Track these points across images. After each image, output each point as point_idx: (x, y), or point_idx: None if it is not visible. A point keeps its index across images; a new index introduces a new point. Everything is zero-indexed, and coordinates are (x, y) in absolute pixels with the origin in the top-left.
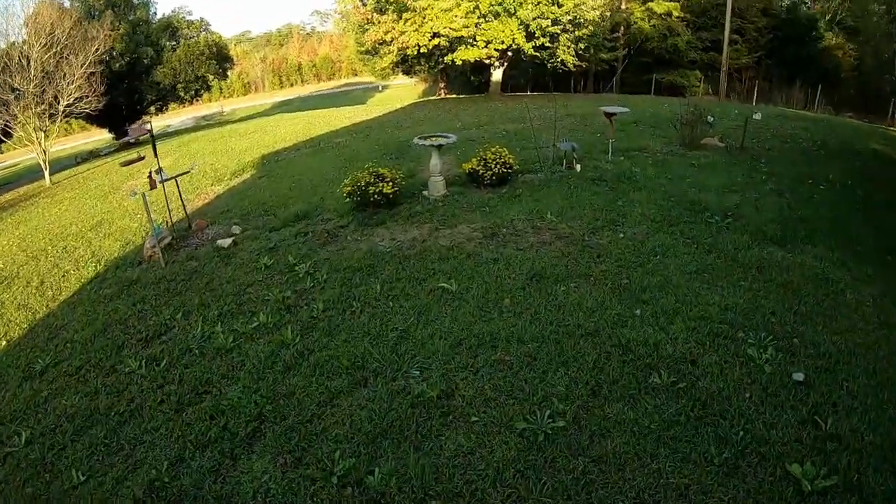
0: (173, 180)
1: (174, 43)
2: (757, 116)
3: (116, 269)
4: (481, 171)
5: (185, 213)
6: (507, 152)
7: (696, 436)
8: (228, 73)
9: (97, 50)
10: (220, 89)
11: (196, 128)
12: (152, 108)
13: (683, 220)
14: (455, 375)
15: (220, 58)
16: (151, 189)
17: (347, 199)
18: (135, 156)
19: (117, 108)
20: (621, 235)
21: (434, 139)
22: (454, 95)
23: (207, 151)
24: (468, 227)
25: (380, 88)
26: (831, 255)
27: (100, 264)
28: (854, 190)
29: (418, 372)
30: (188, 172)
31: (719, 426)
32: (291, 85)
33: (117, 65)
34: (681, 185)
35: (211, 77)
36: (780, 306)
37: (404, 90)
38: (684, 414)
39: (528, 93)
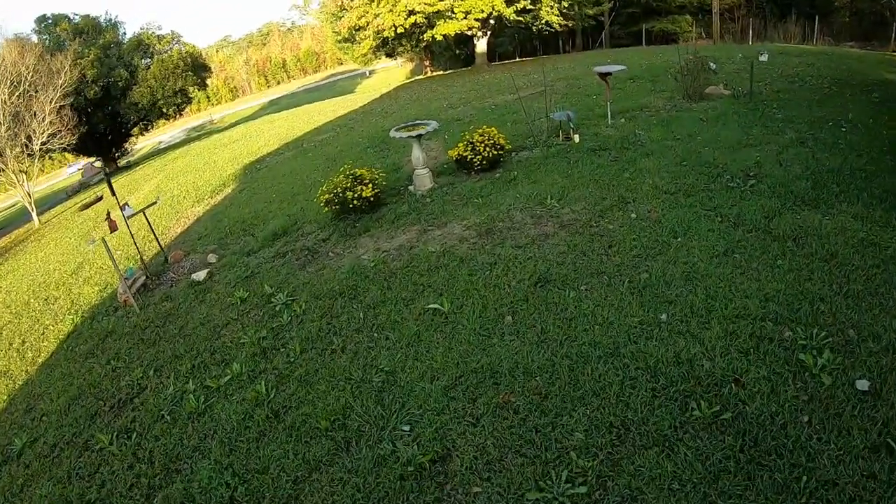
0: (142, 214)
1: (148, 60)
2: (763, 58)
3: (93, 321)
4: (470, 157)
5: (160, 246)
6: (496, 131)
7: (748, 488)
8: (208, 81)
9: (64, 83)
10: (208, 97)
11: (186, 140)
12: (136, 129)
13: (701, 187)
14: (451, 429)
15: (197, 68)
16: (112, 232)
17: (326, 209)
18: (92, 197)
19: (101, 135)
20: (633, 216)
21: (412, 129)
22: (441, 72)
23: (191, 168)
24: (460, 225)
25: (367, 74)
26: (872, 214)
27: (77, 315)
28: (879, 130)
29: (408, 428)
30: (154, 205)
31: (776, 469)
32: (278, 83)
33: (91, 92)
34: (692, 145)
35: (191, 89)
36: (828, 288)
37: (392, 73)
38: (732, 457)
39: (517, 59)
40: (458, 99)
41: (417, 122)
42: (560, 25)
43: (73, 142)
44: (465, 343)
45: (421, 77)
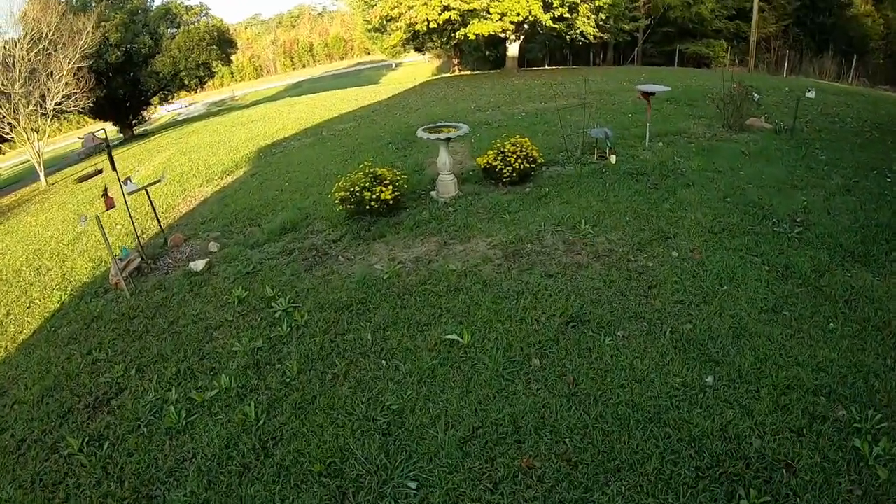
0: (145, 191)
1: (174, 30)
2: (810, 94)
3: (81, 300)
4: (500, 167)
5: (160, 227)
6: (529, 142)
7: None
8: (232, 57)
9: (84, 44)
10: (232, 74)
11: (205, 115)
12: (156, 98)
13: (745, 228)
14: (464, 493)
15: (222, 43)
16: (109, 209)
17: (340, 207)
18: (91, 170)
19: (119, 101)
20: (675, 254)
21: (441, 131)
22: (468, 72)
23: (205, 145)
24: (484, 243)
25: (393, 66)
26: None
27: (66, 292)
28: None
29: (414, 485)
30: (158, 182)
31: None
32: (304, 66)
33: (113, 56)
34: (735, 180)
35: (214, 63)
36: (882, 362)
37: (417, 67)
38: None
39: (546, 67)
40: (487, 102)
41: (445, 123)
42: (594, 37)
43: (89, 104)
44: (485, 386)
45: (448, 75)
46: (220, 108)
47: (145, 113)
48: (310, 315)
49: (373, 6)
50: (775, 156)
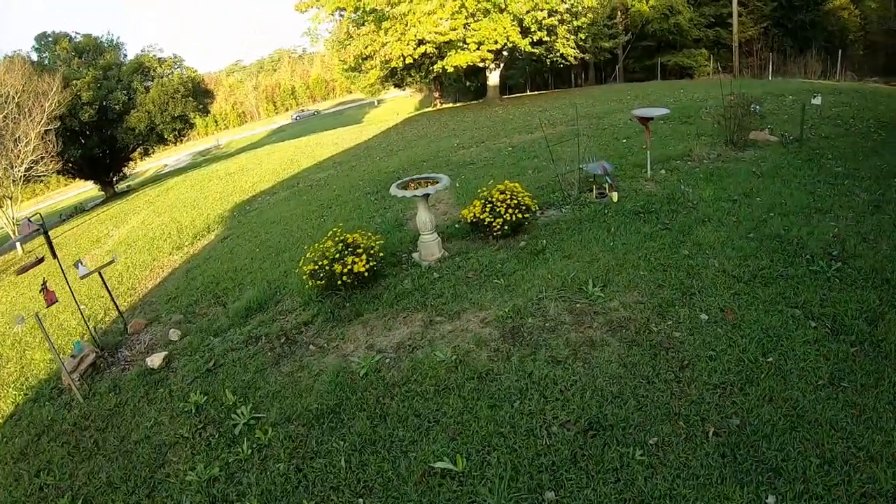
0: (98, 274)
1: (149, 83)
2: (816, 101)
3: (35, 403)
4: (488, 220)
5: (119, 311)
6: (520, 188)
7: None
8: (213, 106)
9: (51, 105)
10: (216, 121)
11: (189, 166)
12: (137, 153)
13: (778, 271)
14: None
15: (198, 93)
16: (50, 305)
17: (310, 282)
18: (32, 259)
19: (97, 159)
20: (704, 317)
21: (418, 184)
22: (450, 105)
23: (180, 203)
24: (477, 318)
25: (375, 104)
26: None
27: (21, 393)
28: None
29: None
30: (111, 264)
31: None
32: (287, 109)
33: (86, 115)
34: (753, 210)
35: (192, 114)
36: None
37: (400, 102)
38: None
39: (528, 92)
40: (470, 137)
41: (424, 177)
42: (575, 58)
43: (60, 167)
44: None
45: (430, 109)
46: (204, 158)
47: (126, 169)
48: (274, 431)
49: (346, 46)
50: (789, 174)
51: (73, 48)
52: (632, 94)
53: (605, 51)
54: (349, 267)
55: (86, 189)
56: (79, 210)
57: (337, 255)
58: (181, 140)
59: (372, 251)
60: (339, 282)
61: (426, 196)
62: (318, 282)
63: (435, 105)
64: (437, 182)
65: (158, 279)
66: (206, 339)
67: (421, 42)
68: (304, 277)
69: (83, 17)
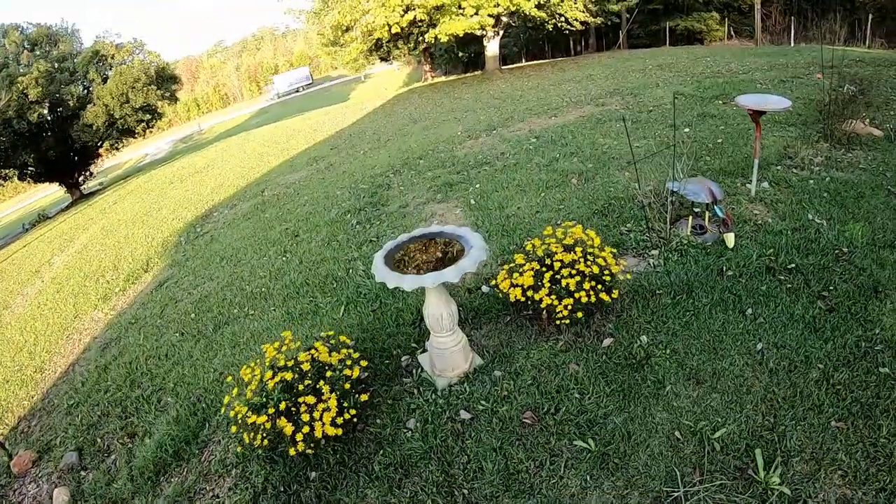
0: None
1: (109, 73)
2: None
3: None
4: (548, 303)
5: (3, 446)
6: (596, 239)
7: None
8: (179, 94)
9: None
10: (198, 105)
11: (168, 156)
12: (105, 146)
13: None
14: None
15: (163, 80)
16: None
17: (240, 449)
18: None
19: (56, 160)
20: None
21: (424, 246)
22: (442, 78)
23: (130, 217)
24: None
25: (362, 79)
26: None
27: None
28: None
29: None
30: None
31: None
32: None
33: (35, 115)
34: None
35: (159, 104)
36: None
37: (388, 77)
38: None
39: (525, 62)
40: (476, 121)
41: (432, 232)
42: (581, 24)
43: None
44: None
45: (420, 84)
46: (185, 146)
47: (93, 167)
48: None
49: (323, 17)
50: None
51: (25, 39)
52: (652, 63)
53: (613, 15)
54: (309, 425)
55: (54, 190)
56: (42, 217)
57: (288, 400)
58: (150, 131)
59: (349, 379)
60: (294, 451)
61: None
62: (258, 451)
63: (426, 79)
64: (466, 248)
65: (73, 356)
66: None
67: (408, 8)
68: (235, 429)
69: (52, 8)
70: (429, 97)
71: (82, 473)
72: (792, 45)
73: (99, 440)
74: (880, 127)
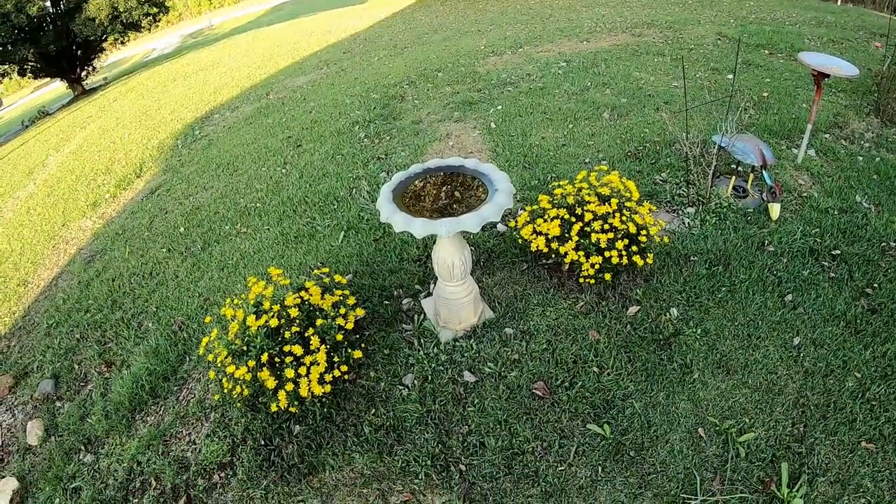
0: None
1: None
2: None
3: None
4: (572, 256)
5: None
6: (633, 189)
7: None
8: None
9: None
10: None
11: (175, 52)
12: (109, 43)
13: None
14: None
15: None
16: None
17: (217, 396)
18: None
19: (64, 55)
20: None
21: (437, 182)
22: None
23: (128, 116)
24: None
25: None
26: None
27: None
28: None
29: None
30: None
31: None
32: None
33: (35, 7)
34: None
35: None
36: None
37: None
38: None
39: None
40: (502, 37)
41: (448, 165)
42: None
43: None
44: None
45: None
46: (194, 41)
47: (97, 62)
48: None
49: None
50: None
51: None
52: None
53: None
54: (293, 382)
55: (57, 86)
56: (42, 114)
57: (273, 349)
58: (156, 26)
59: (342, 330)
60: (276, 407)
61: (454, 231)
62: (239, 405)
63: None
64: (482, 194)
65: (57, 268)
66: (76, 448)
67: None
68: (213, 374)
69: None
70: (452, 6)
71: (57, 404)
72: (839, 2)
73: (76, 367)
74: None
